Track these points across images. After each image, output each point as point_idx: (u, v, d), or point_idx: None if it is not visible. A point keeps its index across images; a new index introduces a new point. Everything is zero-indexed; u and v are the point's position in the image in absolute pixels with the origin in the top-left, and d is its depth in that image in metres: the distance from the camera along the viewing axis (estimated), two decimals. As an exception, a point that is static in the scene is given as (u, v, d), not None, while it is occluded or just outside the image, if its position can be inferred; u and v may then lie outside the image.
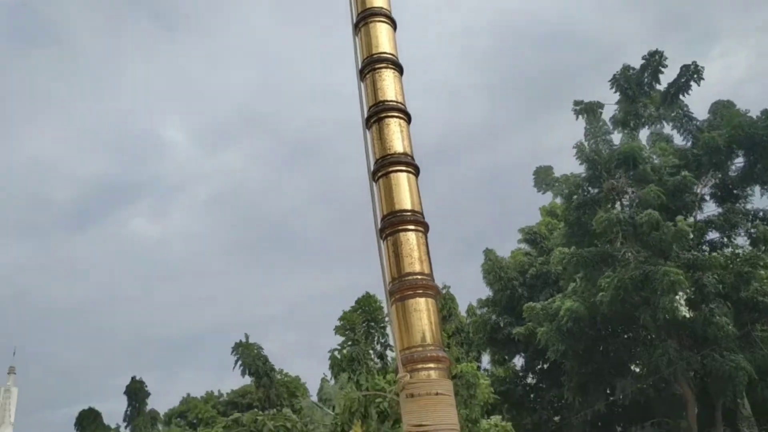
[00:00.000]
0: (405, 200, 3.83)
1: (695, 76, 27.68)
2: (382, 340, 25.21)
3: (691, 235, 25.51)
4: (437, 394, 3.27)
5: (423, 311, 3.50)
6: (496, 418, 20.78)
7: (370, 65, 4.34)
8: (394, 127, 4.11)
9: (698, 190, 27.36)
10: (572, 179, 28.39)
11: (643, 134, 29.98)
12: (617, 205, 26.95)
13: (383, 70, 4.32)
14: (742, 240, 27.50)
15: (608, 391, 27.41)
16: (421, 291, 3.54)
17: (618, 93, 28.78)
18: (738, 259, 24.70)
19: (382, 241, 3.81)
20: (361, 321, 25.06)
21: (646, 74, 28.29)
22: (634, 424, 25.98)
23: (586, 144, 27.82)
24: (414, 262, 3.62)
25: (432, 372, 3.33)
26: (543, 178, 30.82)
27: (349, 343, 24.59)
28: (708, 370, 22.94)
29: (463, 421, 17.99)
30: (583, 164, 27.60)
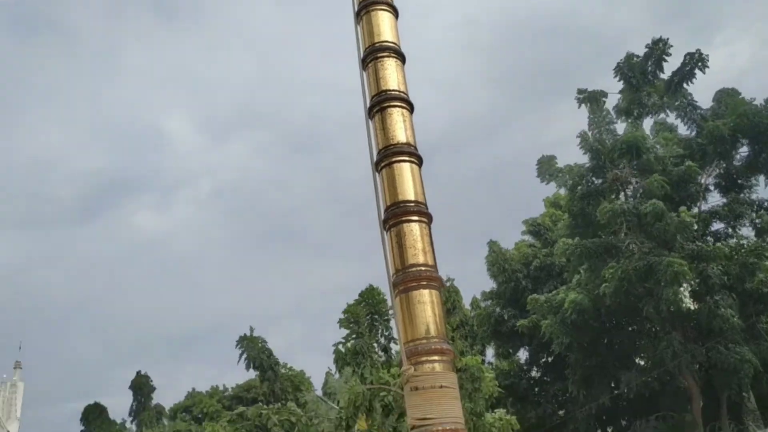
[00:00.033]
0: (408, 191, 3.78)
1: (700, 64, 27.42)
2: (386, 333, 25.26)
3: (696, 226, 25.43)
4: (441, 387, 3.22)
5: (427, 303, 3.45)
6: (500, 412, 20.76)
7: (372, 54, 4.29)
8: (397, 116, 4.06)
9: (702, 180, 27.25)
10: (576, 170, 28.31)
11: (647, 123, 29.90)
12: (621, 195, 26.87)
13: (385, 59, 4.26)
14: (747, 230, 27.45)
15: (613, 385, 27.40)
16: (425, 282, 3.49)
17: (621, 82, 28.56)
18: (743, 250, 24.60)
19: (385, 233, 3.76)
20: (365, 314, 25.09)
21: (649, 62, 28.04)
22: (639, 418, 25.93)
23: (589, 134, 27.71)
24: (418, 254, 3.57)
25: (436, 365, 3.28)
26: (546, 168, 30.75)
27: (354, 336, 24.64)
28: (713, 363, 22.89)
29: (467, 415, 18.00)
30: (587, 154, 27.51)
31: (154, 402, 52.37)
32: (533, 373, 33.71)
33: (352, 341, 24.53)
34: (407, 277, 3.49)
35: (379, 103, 4.09)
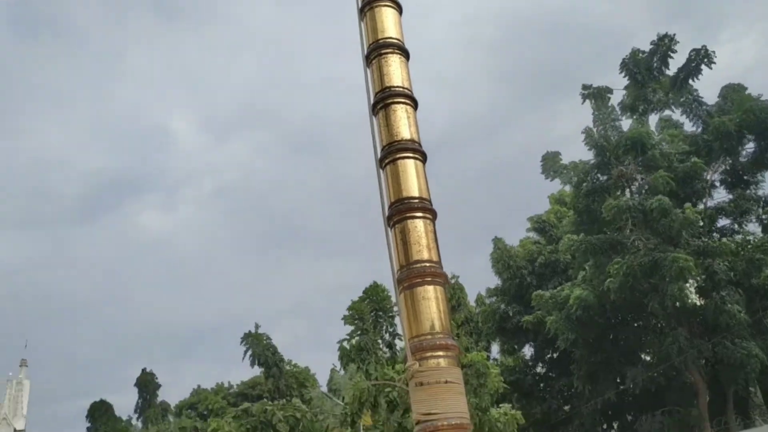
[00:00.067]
0: (412, 187, 3.78)
1: (706, 60, 27.13)
2: (390, 330, 25.27)
3: (701, 222, 25.36)
4: (446, 382, 3.22)
5: (431, 299, 3.45)
6: (505, 407, 20.75)
7: (376, 50, 4.28)
8: (401, 113, 4.05)
9: (708, 177, 27.15)
10: (581, 166, 28.24)
11: (652, 120, 29.77)
12: (626, 192, 26.80)
13: (389, 55, 4.26)
14: (753, 226, 27.38)
15: (618, 380, 27.37)
16: (429, 279, 3.49)
17: (627, 77, 28.38)
18: (749, 246, 24.55)
19: (389, 229, 3.76)
20: (369, 311, 25.10)
21: (655, 59, 27.85)
22: (645, 413, 25.91)
23: (594, 130, 27.64)
24: (422, 250, 3.57)
25: (441, 360, 3.28)
26: (551, 164, 30.71)
27: (358, 332, 24.66)
28: (719, 358, 22.85)
29: (472, 410, 18.00)
30: (592, 150, 27.44)
31: (159, 399, 52.55)
32: (538, 369, 33.71)
33: (356, 338, 24.55)
34: (412, 274, 3.50)
35: (383, 99, 4.09)
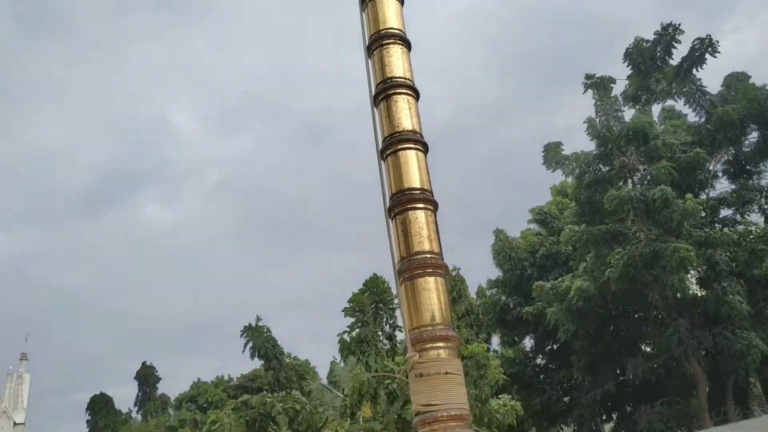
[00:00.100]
0: (414, 178, 3.76)
1: (710, 49, 26.82)
2: (391, 321, 25.26)
3: (703, 213, 25.31)
4: (447, 373, 3.22)
5: (432, 290, 3.44)
6: (505, 398, 20.80)
7: (378, 41, 4.26)
8: (402, 104, 4.04)
9: (711, 167, 27.05)
10: (583, 157, 28.17)
11: (655, 110, 29.64)
12: (628, 182, 26.73)
13: (391, 46, 4.24)
14: (755, 217, 27.29)
15: (618, 371, 27.41)
16: (430, 270, 3.48)
17: (630, 67, 28.13)
18: (751, 236, 24.52)
19: (390, 221, 3.75)
20: (370, 302, 25.08)
21: (659, 48, 27.62)
22: (644, 404, 25.94)
23: (597, 120, 27.54)
24: (423, 241, 3.56)
25: (441, 351, 3.28)
26: (552, 155, 30.63)
27: (359, 324, 24.66)
28: (719, 349, 22.87)
29: (472, 401, 18.04)
30: (594, 141, 27.35)
31: (159, 392, 52.58)
32: (538, 361, 33.74)
33: (357, 330, 24.56)
34: (412, 265, 3.49)
35: (385, 90, 4.07)
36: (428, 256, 3.50)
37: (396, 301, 23.18)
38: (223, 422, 22.03)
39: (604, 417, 30.36)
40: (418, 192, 3.70)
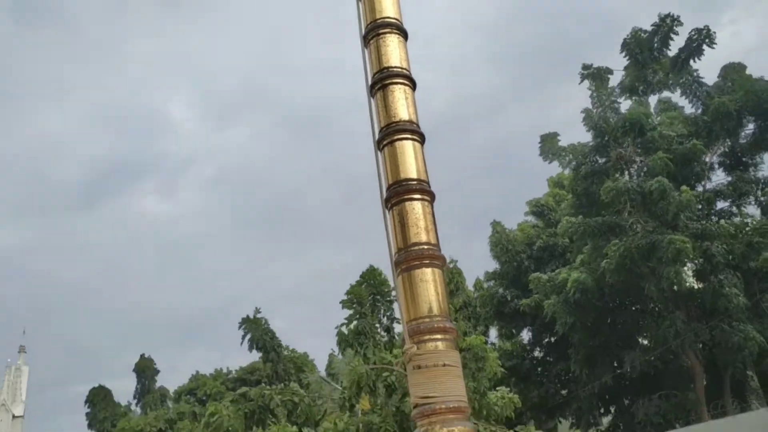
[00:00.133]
0: (410, 169, 3.73)
1: (707, 40, 26.64)
2: (388, 313, 25.25)
3: (700, 205, 25.32)
4: (444, 365, 3.19)
5: (429, 282, 3.41)
6: (503, 390, 20.80)
7: (374, 31, 4.21)
8: (399, 94, 4.00)
9: (707, 159, 27.04)
10: (579, 149, 28.16)
11: (652, 102, 29.59)
12: (625, 174, 26.73)
13: (387, 35, 4.19)
14: (752, 209, 27.30)
15: (615, 364, 27.48)
16: (427, 261, 3.45)
17: (627, 58, 27.96)
18: (748, 229, 24.52)
19: (387, 212, 3.72)
20: (368, 294, 25.08)
21: (656, 39, 27.49)
22: (642, 397, 25.99)
23: (593, 111, 27.49)
24: (420, 232, 3.52)
25: (439, 343, 3.25)
26: (549, 146, 30.60)
27: (357, 316, 24.66)
28: (717, 342, 22.91)
29: (470, 393, 18.04)
30: (590, 132, 27.32)
31: (158, 385, 52.65)
32: (536, 353, 33.84)
33: (355, 322, 24.56)
34: (409, 256, 3.45)
35: (381, 80, 4.03)
36: (425, 247, 3.47)
37: (393, 292, 23.17)
38: (222, 414, 21.98)
39: (602, 410, 30.43)
40: (415, 183, 3.66)
